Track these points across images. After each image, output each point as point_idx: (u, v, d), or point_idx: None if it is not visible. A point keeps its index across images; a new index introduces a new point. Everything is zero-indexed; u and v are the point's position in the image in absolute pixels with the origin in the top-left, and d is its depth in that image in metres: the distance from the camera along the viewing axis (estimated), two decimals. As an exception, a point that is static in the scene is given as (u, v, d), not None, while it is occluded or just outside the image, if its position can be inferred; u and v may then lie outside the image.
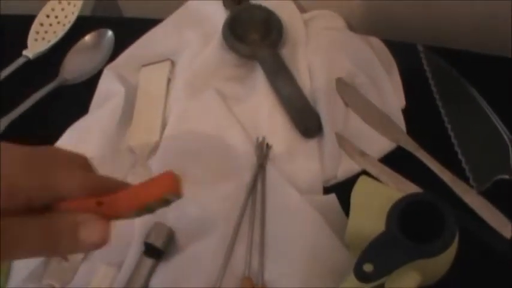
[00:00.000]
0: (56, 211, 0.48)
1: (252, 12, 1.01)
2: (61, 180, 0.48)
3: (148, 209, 0.51)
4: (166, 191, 0.50)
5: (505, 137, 0.83)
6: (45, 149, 0.50)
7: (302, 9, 1.04)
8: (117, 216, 0.51)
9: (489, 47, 0.94)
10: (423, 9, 1.02)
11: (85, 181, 0.49)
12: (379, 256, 0.62)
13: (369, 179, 0.77)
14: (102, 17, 1.24)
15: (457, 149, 0.84)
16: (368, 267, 0.61)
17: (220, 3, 1.04)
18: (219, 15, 1.02)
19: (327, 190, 0.83)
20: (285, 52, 0.97)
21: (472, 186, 0.80)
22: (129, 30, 1.08)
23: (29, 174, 0.47)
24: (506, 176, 0.79)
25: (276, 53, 0.95)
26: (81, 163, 0.52)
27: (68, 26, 1.10)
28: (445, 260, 0.66)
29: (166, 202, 0.51)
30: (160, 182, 0.50)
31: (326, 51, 0.96)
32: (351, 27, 1.03)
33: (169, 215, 0.81)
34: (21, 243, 0.44)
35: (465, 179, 0.80)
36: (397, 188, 0.80)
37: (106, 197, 0.49)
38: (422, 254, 0.62)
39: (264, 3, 1.01)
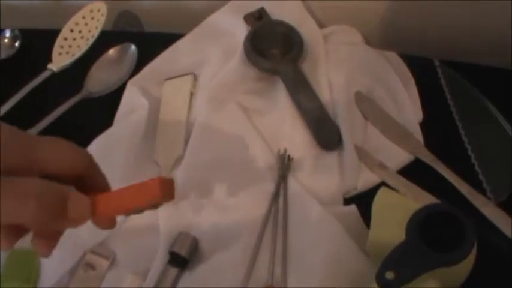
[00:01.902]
0: None
1: (273, 27, 1.02)
2: (46, 153, 0.48)
3: (136, 211, 0.53)
4: (153, 197, 0.50)
5: (521, 149, 0.85)
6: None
7: (321, 25, 1.06)
8: (105, 215, 0.52)
9: (504, 61, 0.96)
10: (439, 24, 1.03)
11: (67, 154, 0.50)
12: (400, 264, 0.63)
13: (389, 191, 0.78)
14: (124, 31, 1.26)
15: (474, 161, 0.86)
16: (390, 275, 0.62)
17: (242, 19, 1.05)
18: (240, 30, 1.04)
19: (347, 201, 0.85)
20: (306, 67, 0.98)
21: (489, 198, 0.81)
22: (151, 45, 1.10)
23: (13, 145, 0.47)
24: (523, 188, 0.81)
25: (297, 68, 0.96)
26: (68, 145, 0.52)
27: (91, 41, 1.11)
28: (463, 268, 0.67)
29: (154, 206, 0.52)
30: (149, 188, 0.51)
31: (345, 65, 0.98)
32: (369, 42, 1.05)
33: (194, 225, 0.82)
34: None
35: (482, 191, 0.82)
36: (415, 199, 0.81)
37: (98, 195, 0.51)
38: (442, 262, 0.63)
39: (284, 18, 1.03)
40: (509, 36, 0.98)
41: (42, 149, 0.48)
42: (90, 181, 0.52)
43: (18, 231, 0.51)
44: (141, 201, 0.51)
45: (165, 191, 0.51)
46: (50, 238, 0.53)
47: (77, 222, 0.48)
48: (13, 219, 0.45)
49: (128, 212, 0.54)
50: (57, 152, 0.49)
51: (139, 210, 0.53)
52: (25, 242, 0.83)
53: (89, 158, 0.52)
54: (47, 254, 0.54)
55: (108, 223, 0.56)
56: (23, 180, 0.45)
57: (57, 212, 0.46)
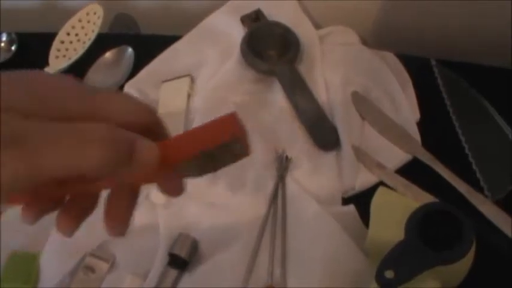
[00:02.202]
0: None
1: (270, 29, 1.03)
2: (108, 103, 0.45)
3: (210, 156, 0.46)
4: (232, 134, 0.44)
5: (518, 147, 0.85)
6: None
7: (317, 26, 1.06)
8: (176, 163, 0.45)
9: (500, 60, 0.96)
10: (436, 25, 1.04)
11: (130, 105, 0.46)
12: (399, 263, 0.64)
13: (388, 190, 0.79)
14: (121, 34, 1.26)
15: (471, 159, 0.86)
16: (389, 274, 0.63)
17: (238, 21, 1.06)
18: (237, 32, 1.04)
19: (345, 201, 0.85)
20: (302, 68, 0.98)
21: (486, 196, 0.82)
22: (148, 47, 1.10)
23: (71, 91, 0.44)
24: (520, 186, 0.81)
25: (294, 69, 0.97)
26: (132, 98, 0.48)
27: (88, 44, 1.11)
28: (462, 266, 0.68)
29: (230, 150, 0.46)
30: (225, 123, 0.45)
31: (342, 66, 0.98)
32: (365, 43, 1.05)
33: (194, 226, 0.83)
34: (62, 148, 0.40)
35: (480, 189, 0.82)
36: (413, 198, 0.81)
37: (165, 142, 0.45)
38: (441, 260, 0.64)
39: (281, 19, 1.03)
40: (507, 36, 0.99)
41: (103, 98, 0.45)
42: (154, 135, 0.47)
43: (50, 203, 0.50)
44: (215, 140, 0.44)
45: (242, 132, 0.45)
46: (76, 216, 0.50)
47: (145, 167, 0.44)
48: (77, 166, 0.41)
49: (201, 164, 0.46)
50: (120, 103, 0.46)
51: (214, 163, 0.47)
52: (25, 244, 0.84)
53: (154, 112, 0.48)
54: (70, 233, 0.52)
55: (178, 186, 0.51)
56: (86, 124, 0.41)
57: (125, 157, 0.42)
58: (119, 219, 0.51)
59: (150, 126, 0.47)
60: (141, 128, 0.46)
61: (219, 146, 0.44)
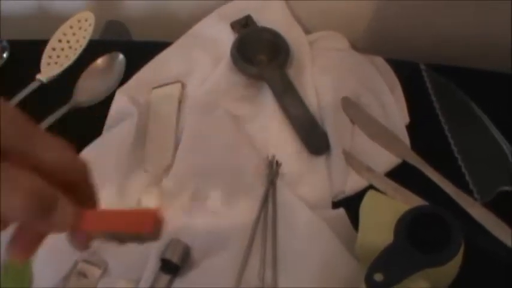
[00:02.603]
0: None
1: (259, 34, 1.03)
2: (44, 148, 0.46)
3: (121, 235, 0.50)
4: (144, 229, 0.48)
5: (506, 150, 0.86)
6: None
7: (307, 31, 1.07)
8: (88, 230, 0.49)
9: (488, 64, 0.97)
10: (425, 29, 1.05)
11: (65, 158, 0.47)
12: (388, 266, 0.64)
13: (377, 193, 0.79)
14: (112, 40, 1.26)
15: (460, 163, 0.87)
16: (378, 277, 0.63)
17: (228, 26, 1.06)
18: (227, 37, 1.04)
19: (335, 205, 0.85)
20: (292, 72, 0.99)
21: (475, 199, 0.82)
22: (139, 53, 1.10)
23: (14, 125, 0.45)
24: (509, 188, 0.82)
25: (284, 74, 0.97)
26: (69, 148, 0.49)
27: (79, 50, 1.11)
28: (451, 268, 0.68)
29: (140, 239, 0.50)
30: (143, 218, 0.48)
31: (331, 71, 0.99)
32: (355, 47, 1.06)
33: (185, 231, 0.83)
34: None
35: (469, 192, 0.83)
36: (403, 201, 0.82)
37: (86, 210, 0.48)
38: (430, 263, 0.64)
39: (271, 24, 1.04)
40: (493, 40, 1.00)
41: (42, 141, 0.46)
42: (80, 194, 0.49)
43: None
44: (129, 228, 0.48)
45: (157, 227, 0.48)
46: (30, 244, 0.50)
47: (59, 228, 0.46)
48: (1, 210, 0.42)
49: (111, 236, 0.51)
50: (56, 151, 0.47)
51: (122, 238, 0.51)
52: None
53: (87, 167, 0.50)
54: (25, 258, 0.52)
55: (84, 243, 0.52)
56: (16, 171, 0.43)
57: (44, 213, 0.44)
58: (24, 249, 0.51)
59: (79, 184, 0.48)
60: (71, 182, 0.47)
61: (131, 234, 0.49)
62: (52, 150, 0.47)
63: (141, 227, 0.47)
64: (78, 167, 0.49)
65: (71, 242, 0.51)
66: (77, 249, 0.52)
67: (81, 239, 0.51)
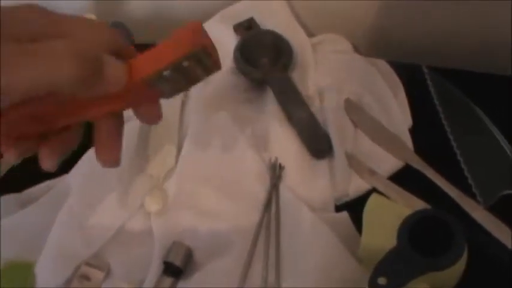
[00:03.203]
0: None
1: (262, 37, 1.03)
2: (74, 26, 0.46)
3: (180, 69, 0.46)
4: (196, 44, 0.45)
5: (509, 153, 0.86)
6: None
7: (310, 34, 1.07)
8: (146, 76, 0.46)
9: (490, 67, 0.97)
10: (428, 32, 1.04)
11: (97, 34, 0.47)
12: (392, 270, 0.64)
13: (380, 197, 0.79)
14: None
15: (463, 166, 0.87)
16: (382, 281, 0.63)
17: (231, 29, 1.06)
18: (229, 40, 1.04)
19: (338, 208, 0.85)
20: (295, 75, 0.99)
21: (478, 202, 0.82)
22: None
23: (39, 14, 0.45)
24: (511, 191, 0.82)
25: (286, 77, 0.97)
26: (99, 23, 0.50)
27: (82, 53, 1.11)
28: (454, 272, 0.68)
29: (199, 61, 0.46)
30: (189, 34, 0.46)
31: (334, 74, 0.99)
32: (357, 50, 1.06)
33: (188, 235, 0.83)
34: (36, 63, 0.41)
35: (472, 195, 0.83)
36: (406, 204, 0.82)
37: (131, 60, 0.47)
38: (433, 267, 0.64)
39: (274, 27, 1.04)
40: (495, 43, 1.00)
41: (71, 22, 0.45)
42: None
43: (29, 138, 0.50)
44: (179, 52, 0.45)
45: (209, 40, 0.46)
46: (58, 150, 0.51)
47: (115, 81, 0.45)
48: (48, 82, 0.41)
49: (173, 78, 0.46)
50: (87, 27, 0.46)
51: (186, 74, 0.47)
52: (21, 253, 0.84)
53: (119, 37, 0.50)
54: (53, 167, 0.51)
55: (155, 112, 0.53)
56: (55, 41, 0.42)
57: (94, 74, 0.44)
58: (110, 148, 0.53)
59: (116, 50, 0.48)
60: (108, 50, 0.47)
61: (187, 57, 0.45)
62: (83, 26, 0.46)
63: (192, 43, 0.45)
64: (110, 32, 0.48)
65: (142, 118, 0.52)
66: (150, 123, 0.53)
67: (150, 108, 0.52)
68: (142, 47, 1.14)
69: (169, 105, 0.97)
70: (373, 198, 0.78)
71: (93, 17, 1.13)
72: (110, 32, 0.49)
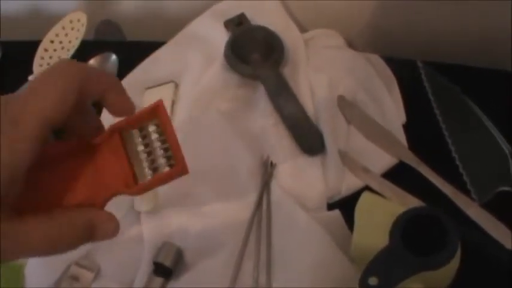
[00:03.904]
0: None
1: (253, 33, 1.02)
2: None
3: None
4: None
5: (505, 149, 0.84)
6: None
7: (302, 29, 1.06)
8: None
9: (487, 61, 0.96)
10: (422, 26, 1.03)
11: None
12: (383, 269, 0.63)
13: (372, 195, 0.78)
14: (105, 40, 1.25)
15: (458, 162, 0.86)
16: (373, 281, 0.62)
17: (222, 25, 1.05)
18: (220, 36, 1.03)
19: (331, 206, 0.84)
20: (287, 71, 0.98)
21: (473, 199, 0.81)
22: (132, 54, 1.09)
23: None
24: (507, 188, 0.81)
25: (278, 73, 0.96)
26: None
27: (72, 51, 1.10)
28: (448, 271, 0.67)
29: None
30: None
31: (327, 69, 0.97)
32: (351, 45, 1.05)
33: (178, 234, 0.82)
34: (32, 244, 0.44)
35: (467, 192, 0.82)
36: (400, 202, 0.81)
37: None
38: (426, 266, 0.63)
39: (265, 23, 1.02)
40: (493, 37, 0.99)
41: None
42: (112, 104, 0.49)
43: None
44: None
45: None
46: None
47: (110, 237, 0.49)
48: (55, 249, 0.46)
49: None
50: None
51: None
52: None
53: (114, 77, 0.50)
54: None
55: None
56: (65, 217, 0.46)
57: (87, 236, 0.47)
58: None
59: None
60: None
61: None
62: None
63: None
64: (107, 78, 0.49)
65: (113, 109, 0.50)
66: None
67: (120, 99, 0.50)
68: (133, 45, 1.15)
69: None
70: (365, 196, 0.76)
71: (82, 15, 1.12)
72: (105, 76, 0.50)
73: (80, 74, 0.45)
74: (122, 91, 0.49)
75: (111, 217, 0.49)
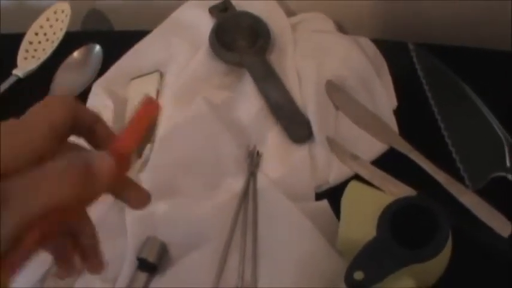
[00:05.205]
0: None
1: (239, 19, 1.00)
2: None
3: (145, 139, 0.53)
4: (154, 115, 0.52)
5: (500, 133, 0.82)
6: None
7: (290, 12, 1.03)
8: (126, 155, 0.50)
9: (484, 41, 0.93)
10: (413, 6, 1.00)
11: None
12: (369, 263, 0.61)
13: (360, 184, 0.75)
14: (91, 31, 1.24)
15: (451, 148, 0.83)
16: (358, 275, 0.60)
17: (207, 12, 1.03)
18: (205, 23, 1.01)
19: (319, 196, 0.82)
20: (273, 58, 0.96)
21: (467, 186, 0.78)
22: (119, 44, 1.07)
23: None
24: (502, 174, 0.78)
25: (264, 60, 0.94)
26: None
27: (56, 43, 1.09)
28: (439, 263, 0.64)
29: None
30: (147, 110, 0.53)
31: (315, 54, 0.95)
32: (341, 29, 1.02)
33: (162, 228, 0.80)
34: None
35: (460, 179, 0.79)
36: (390, 190, 0.78)
37: (113, 144, 0.50)
38: (414, 259, 0.61)
39: (251, 8, 1.01)
40: (492, 15, 0.96)
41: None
42: (97, 136, 0.53)
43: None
44: (147, 123, 0.52)
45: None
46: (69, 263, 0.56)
47: (107, 176, 0.47)
48: (55, 204, 0.43)
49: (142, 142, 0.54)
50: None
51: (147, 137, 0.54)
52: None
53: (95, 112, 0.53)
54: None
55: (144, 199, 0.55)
56: (51, 165, 0.44)
57: (89, 179, 0.45)
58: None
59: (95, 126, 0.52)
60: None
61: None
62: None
63: (151, 112, 0.53)
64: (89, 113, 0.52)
65: (133, 204, 0.55)
66: (141, 207, 0.55)
67: (138, 193, 0.55)
68: (121, 34, 1.13)
69: (144, 92, 0.96)
70: (352, 185, 0.74)
71: (66, 5, 1.10)
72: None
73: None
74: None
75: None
